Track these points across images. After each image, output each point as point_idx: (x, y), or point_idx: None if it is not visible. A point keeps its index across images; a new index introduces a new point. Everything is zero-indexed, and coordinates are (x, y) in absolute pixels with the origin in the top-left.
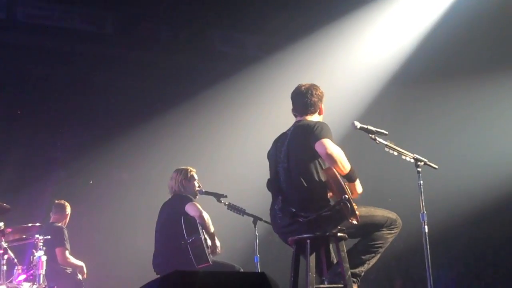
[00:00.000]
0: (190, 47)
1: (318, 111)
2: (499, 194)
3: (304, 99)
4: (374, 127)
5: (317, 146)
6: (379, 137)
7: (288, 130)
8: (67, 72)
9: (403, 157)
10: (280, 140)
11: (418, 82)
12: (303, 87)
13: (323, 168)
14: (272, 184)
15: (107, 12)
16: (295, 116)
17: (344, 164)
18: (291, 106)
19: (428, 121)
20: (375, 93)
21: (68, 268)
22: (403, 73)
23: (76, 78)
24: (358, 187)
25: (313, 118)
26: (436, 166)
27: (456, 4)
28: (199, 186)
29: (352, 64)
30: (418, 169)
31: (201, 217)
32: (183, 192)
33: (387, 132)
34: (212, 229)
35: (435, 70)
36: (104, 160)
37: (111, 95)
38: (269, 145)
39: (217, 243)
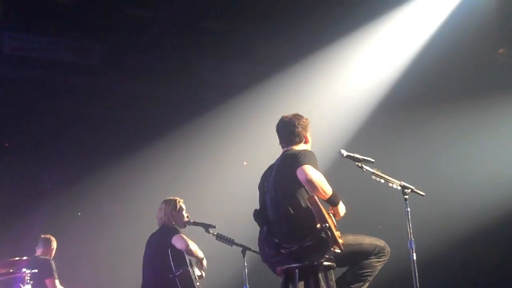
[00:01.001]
0: (177, 76)
1: (304, 140)
2: (486, 217)
3: (288, 130)
4: (361, 154)
5: (298, 173)
6: (365, 165)
7: (276, 160)
8: (55, 103)
9: (390, 184)
10: (268, 171)
11: (404, 109)
12: (286, 118)
13: (308, 189)
14: (259, 215)
15: (94, 43)
16: (283, 147)
17: (325, 189)
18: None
19: (414, 147)
20: (362, 120)
21: None
22: (389, 99)
23: (64, 110)
24: (341, 209)
25: (300, 147)
26: (423, 193)
27: (440, 31)
28: (187, 217)
29: (339, 91)
30: (405, 196)
31: (188, 249)
32: (171, 223)
33: (373, 160)
34: (201, 255)
35: (421, 96)
36: (93, 192)
37: (99, 127)
38: (258, 174)
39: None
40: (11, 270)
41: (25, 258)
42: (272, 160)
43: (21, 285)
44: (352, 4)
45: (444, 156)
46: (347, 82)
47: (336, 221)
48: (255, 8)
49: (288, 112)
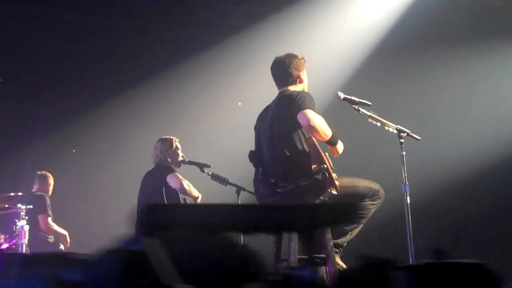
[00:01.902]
0: (172, 14)
1: (298, 80)
2: (481, 164)
3: (281, 71)
4: (358, 97)
5: (299, 117)
6: (362, 108)
7: (272, 101)
8: (47, 39)
9: (386, 128)
10: (264, 112)
11: (401, 52)
12: (279, 58)
13: (308, 131)
14: (254, 156)
15: None
16: (278, 88)
17: (326, 132)
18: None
19: (411, 90)
20: (359, 62)
21: (50, 236)
22: (386, 42)
23: (57, 45)
24: (340, 147)
25: (296, 88)
26: (419, 137)
27: None
28: (182, 156)
29: (336, 33)
30: (401, 140)
31: (182, 188)
32: (166, 162)
33: (370, 103)
34: (196, 194)
35: (418, 40)
36: (87, 130)
37: (91, 64)
38: (253, 114)
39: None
40: (6, 206)
41: (19, 193)
42: (267, 101)
43: (16, 220)
44: None
45: (440, 100)
46: (344, 25)
47: (333, 161)
48: None
49: (284, 51)
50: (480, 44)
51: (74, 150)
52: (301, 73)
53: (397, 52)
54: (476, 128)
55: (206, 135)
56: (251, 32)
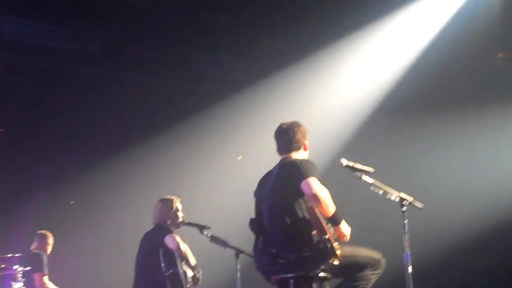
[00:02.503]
0: (176, 68)
1: (303, 147)
2: (483, 227)
3: (287, 137)
4: (360, 162)
5: (303, 185)
6: (364, 175)
7: (274, 168)
8: (51, 91)
9: (388, 196)
10: (265, 179)
11: (402, 112)
12: (285, 125)
13: (311, 202)
14: (254, 224)
15: (93, 32)
16: (281, 154)
17: (329, 206)
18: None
19: (412, 152)
20: (360, 123)
21: None
22: (388, 103)
23: (60, 98)
24: (345, 228)
25: (298, 155)
26: (421, 206)
27: (440, 35)
28: (182, 217)
29: (337, 92)
30: (403, 208)
31: (179, 249)
32: (166, 223)
33: (373, 170)
34: (192, 261)
35: (419, 100)
36: (87, 183)
37: (95, 117)
38: (254, 171)
39: (198, 273)
40: (3, 266)
41: (17, 255)
42: (267, 158)
43: (12, 283)
44: (353, 5)
45: (440, 162)
46: (346, 83)
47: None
48: (256, 3)
49: (284, 109)
50: (483, 105)
51: (72, 202)
52: (306, 141)
53: (399, 112)
54: (478, 190)
55: (207, 194)
56: (253, 88)
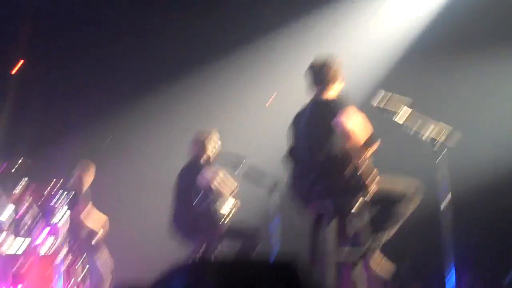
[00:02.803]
0: (205, 9)
1: (336, 82)
2: None
3: (321, 72)
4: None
5: (335, 123)
6: (396, 116)
7: (307, 105)
8: (92, 31)
9: (421, 134)
10: (299, 116)
11: (438, 51)
12: (319, 60)
13: (343, 138)
14: (293, 154)
15: None
16: (315, 89)
17: (362, 134)
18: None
19: (448, 91)
20: (395, 61)
21: (88, 224)
22: (423, 41)
23: (100, 38)
24: (376, 146)
25: (332, 90)
26: (456, 140)
27: None
28: (219, 149)
29: (373, 31)
30: (434, 149)
31: (216, 183)
32: (203, 155)
33: (410, 99)
34: (228, 192)
35: (454, 39)
36: (125, 121)
37: (132, 52)
38: (289, 111)
39: (234, 207)
40: (47, 192)
41: (60, 180)
42: (302, 96)
43: (56, 207)
44: None
45: (475, 101)
46: (380, 22)
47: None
48: None
49: (320, 50)
50: None
51: (110, 137)
52: (339, 75)
53: (434, 50)
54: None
55: (245, 126)
56: (287, 27)
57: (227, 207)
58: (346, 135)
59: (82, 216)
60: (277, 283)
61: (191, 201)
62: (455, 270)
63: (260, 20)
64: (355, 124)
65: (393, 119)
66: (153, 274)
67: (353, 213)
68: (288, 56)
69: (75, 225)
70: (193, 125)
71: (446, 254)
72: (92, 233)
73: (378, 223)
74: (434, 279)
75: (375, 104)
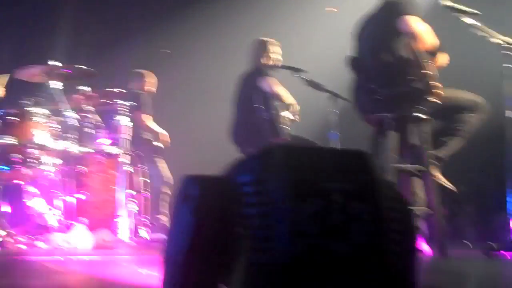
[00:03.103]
0: None
1: None
2: None
3: None
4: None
5: (402, 23)
6: (464, 17)
7: (373, 8)
8: None
9: (488, 38)
10: (365, 19)
11: None
12: None
13: (409, 39)
14: (355, 63)
15: None
16: None
17: (430, 40)
18: None
19: None
20: None
21: (150, 133)
22: None
23: None
24: (442, 58)
25: None
26: None
27: None
28: (278, 60)
29: None
30: (505, 51)
31: (275, 93)
32: (261, 65)
33: (478, 12)
34: (288, 100)
35: None
36: (183, 30)
37: None
38: (352, 20)
39: (294, 114)
40: (108, 101)
41: (121, 90)
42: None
43: (117, 116)
44: None
45: None
46: None
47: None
48: None
49: None
50: None
51: (170, 51)
52: None
53: None
54: None
55: (303, 38)
56: None
57: (288, 113)
58: (413, 36)
59: (143, 117)
60: (347, 167)
61: (252, 107)
62: None
63: None
64: (423, 26)
65: (461, 18)
66: None
67: (415, 123)
68: None
69: (137, 126)
70: (252, 35)
71: (507, 178)
72: (154, 135)
73: (442, 135)
74: (493, 201)
75: (443, 3)
